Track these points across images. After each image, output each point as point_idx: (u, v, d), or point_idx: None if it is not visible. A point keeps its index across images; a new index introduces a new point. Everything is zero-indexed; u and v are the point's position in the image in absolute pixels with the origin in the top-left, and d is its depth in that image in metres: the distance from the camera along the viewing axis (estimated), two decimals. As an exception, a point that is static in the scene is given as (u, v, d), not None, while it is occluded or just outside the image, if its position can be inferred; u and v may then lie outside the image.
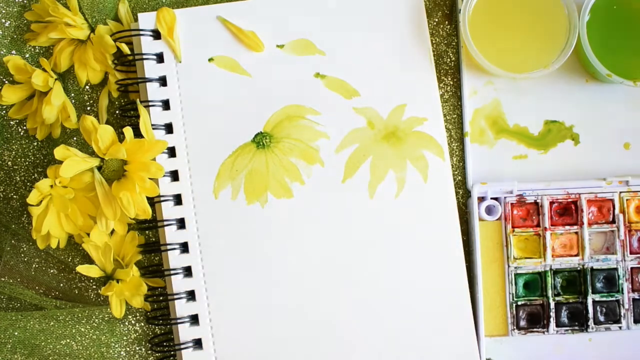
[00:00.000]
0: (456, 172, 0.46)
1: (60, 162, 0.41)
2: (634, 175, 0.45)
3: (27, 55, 0.47)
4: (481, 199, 0.45)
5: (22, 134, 0.47)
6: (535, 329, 0.44)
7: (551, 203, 0.45)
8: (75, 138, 0.46)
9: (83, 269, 0.43)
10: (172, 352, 0.45)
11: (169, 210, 0.44)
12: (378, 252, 0.44)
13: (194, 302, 0.44)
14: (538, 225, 0.45)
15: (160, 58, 0.45)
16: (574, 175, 0.45)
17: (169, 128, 0.45)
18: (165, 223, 0.44)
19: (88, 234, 0.43)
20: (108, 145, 0.42)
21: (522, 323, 0.44)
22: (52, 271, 0.47)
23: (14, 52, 0.47)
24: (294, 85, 0.45)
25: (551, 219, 0.44)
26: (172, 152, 0.44)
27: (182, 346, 0.43)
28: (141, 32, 0.44)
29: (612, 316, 0.44)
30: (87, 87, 0.47)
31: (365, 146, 0.45)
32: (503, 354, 0.45)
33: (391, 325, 0.44)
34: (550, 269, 0.44)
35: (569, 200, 0.45)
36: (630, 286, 0.45)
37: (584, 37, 0.43)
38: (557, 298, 0.44)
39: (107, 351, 0.46)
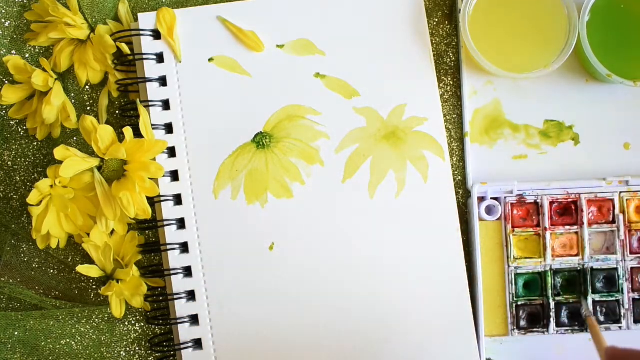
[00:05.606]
0: (456, 172, 0.46)
1: (60, 162, 0.41)
2: (634, 175, 0.45)
3: (27, 55, 0.47)
4: (481, 199, 0.45)
5: (22, 134, 0.47)
6: (535, 329, 0.44)
7: (551, 203, 0.45)
8: (75, 138, 0.46)
9: (83, 269, 0.43)
10: (172, 352, 0.45)
11: (169, 210, 0.44)
12: (378, 252, 0.44)
13: (194, 302, 0.44)
14: (538, 225, 0.45)
15: (160, 58, 0.45)
16: (574, 175, 0.45)
17: (169, 128, 0.45)
18: (165, 223, 0.44)
19: (88, 234, 0.43)
20: (108, 145, 0.42)
21: (522, 323, 0.44)
22: (52, 271, 0.47)
23: (14, 52, 0.47)
24: (294, 85, 0.45)
25: (551, 219, 0.44)
26: (172, 152, 0.44)
27: (182, 346, 0.43)
28: (141, 32, 0.44)
29: (612, 316, 0.44)
30: (87, 87, 0.47)
31: (365, 146, 0.44)
32: (503, 354, 0.45)
33: (391, 325, 0.44)
34: (550, 269, 0.44)
35: (569, 200, 0.45)
36: (630, 286, 0.45)
37: (584, 37, 0.43)
38: (557, 298, 0.44)
39: (107, 351, 0.46)
